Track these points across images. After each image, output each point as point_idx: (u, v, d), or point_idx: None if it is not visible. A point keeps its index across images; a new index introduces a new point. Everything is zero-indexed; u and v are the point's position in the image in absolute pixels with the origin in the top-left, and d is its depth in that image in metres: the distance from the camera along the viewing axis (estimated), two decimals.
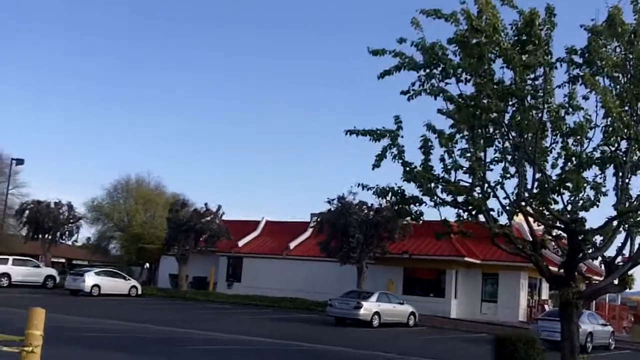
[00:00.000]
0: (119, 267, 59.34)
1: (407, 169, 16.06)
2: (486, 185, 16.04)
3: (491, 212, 16.02)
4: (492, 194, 16.04)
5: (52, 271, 47.71)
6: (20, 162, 56.20)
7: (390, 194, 16.73)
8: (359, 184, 17.20)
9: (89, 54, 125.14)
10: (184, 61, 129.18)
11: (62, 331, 19.84)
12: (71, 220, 53.17)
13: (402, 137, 16.38)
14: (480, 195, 15.84)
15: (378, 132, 16.16)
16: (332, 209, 39.44)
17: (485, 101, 15.53)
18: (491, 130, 16.16)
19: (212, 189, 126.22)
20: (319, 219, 40.90)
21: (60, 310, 28.35)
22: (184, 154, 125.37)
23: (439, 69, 15.66)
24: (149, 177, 68.47)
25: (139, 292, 44.25)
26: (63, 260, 77.80)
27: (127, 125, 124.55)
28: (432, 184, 16.12)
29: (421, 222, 17.85)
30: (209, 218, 46.49)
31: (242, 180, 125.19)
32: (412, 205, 16.79)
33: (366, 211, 39.00)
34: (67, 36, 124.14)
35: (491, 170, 16.21)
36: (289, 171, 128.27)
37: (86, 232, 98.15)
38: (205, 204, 47.64)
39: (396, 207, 17.39)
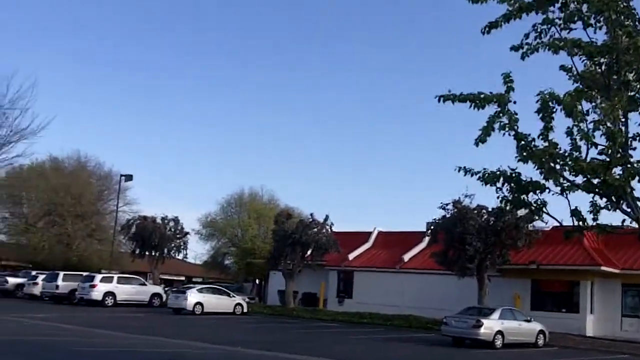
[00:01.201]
0: (234, 283, 57.65)
1: (522, 143, 12.08)
2: (631, 160, 11.70)
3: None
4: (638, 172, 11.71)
5: (158, 289, 46.21)
6: (129, 178, 55.53)
7: (501, 180, 12.73)
8: (459, 168, 13.29)
9: (188, 70, 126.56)
10: (291, 80, 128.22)
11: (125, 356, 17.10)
12: (178, 236, 51.70)
13: (514, 102, 12.38)
14: (623, 174, 11.60)
15: (482, 96, 12.29)
16: (447, 215, 35.50)
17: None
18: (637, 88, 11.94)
19: (324, 201, 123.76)
20: (432, 228, 36.95)
21: (154, 331, 26.23)
22: (296, 167, 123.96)
23: (558, 6, 11.68)
24: (262, 191, 67.06)
25: (245, 309, 41.75)
26: (183, 278, 77.59)
27: (241, 139, 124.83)
28: (557, 163, 12.02)
29: (545, 220, 13.62)
30: (315, 229, 43.46)
31: (352, 190, 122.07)
32: (531, 194, 12.68)
33: (486, 216, 34.79)
34: (171, 53, 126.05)
35: (634, 148, 11.98)
36: (403, 177, 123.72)
37: (200, 248, 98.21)
38: (311, 214, 44.74)
39: (510, 198, 13.21)
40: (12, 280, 49.43)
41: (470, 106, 12.31)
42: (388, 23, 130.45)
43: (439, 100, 12.53)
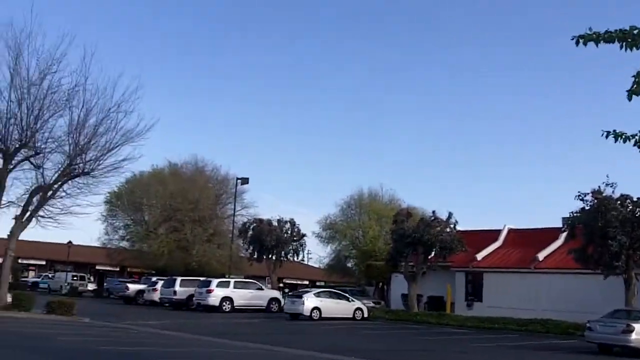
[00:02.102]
0: (356, 286, 55.45)
1: None
2: None
3: None
4: None
5: (276, 293, 44.62)
6: (245, 181, 54.49)
7: None
8: (607, 133, 10.10)
9: (300, 70, 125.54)
10: (407, 81, 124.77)
11: None
12: (295, 238, 50.00)
13: None
14: None
15: (635, 31, 9.17)
16: (586, 208, 31.62)
17: None
18: None
19: (447, 200, 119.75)
20: (569, 222, 33.10)
21: (261, 338, 24.44)
22: (418, 166, 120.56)
23: None
24: (382, 190, 64.39)
25: (365, 314, 39.24)
26: (307, 282, 76.30)
27: (359, 139, 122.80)
28: None
29: None
30: (438, 228, 40.35)
31: (478, 188, 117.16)
32: None
33: (630, 207, 30.69)
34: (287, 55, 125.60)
35: None
36: (535, 170, 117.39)
37: (322, 252, 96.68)
38: (433, 212, 41.69)
39: None
40: (132, 287, 49.45)
41: (621, 47, 9.22)
42: None
43: (577, 43, 9.49)
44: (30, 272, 73.33)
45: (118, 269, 73.89)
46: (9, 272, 31.76)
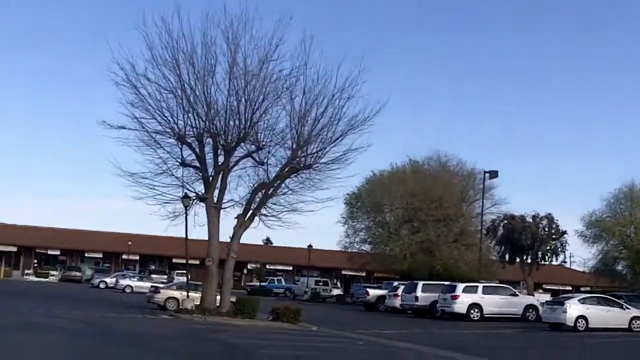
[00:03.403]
0: (635, 292, 47.61)
1: None
2: None
3: None
4: None
5: (532, 300, 39.06)
6: (494, 174, 48.81)
7: None
8: None
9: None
10: None
11: None
12: (553, 237, 43.49)
13: None
14: None
15: None
16: None
17: None
18: None
19: None
20: None
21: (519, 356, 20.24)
22: None
23: None
24: None
25: None
26: (569, 288, 69.02)
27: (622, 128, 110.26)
28: None
29: None
30: None
31: None
32: None
33: None
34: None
35: None
36: None
37: (586, 253, 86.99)
38: None
39: None
40: (373, 292, 46.67)
41: None
42: None
43: None
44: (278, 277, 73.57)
45: (364, 274, 71.81)
46: (231, 276, 29.65)
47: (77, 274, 70.88)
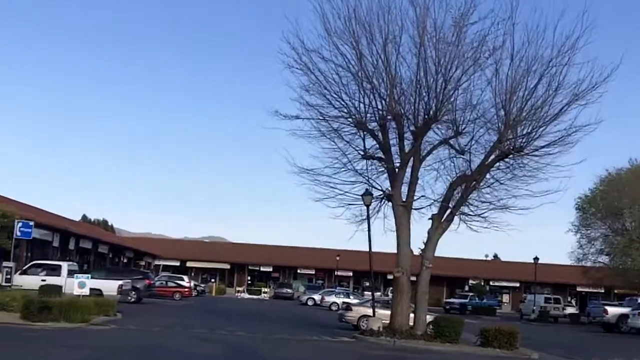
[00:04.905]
0: None
1: None
2: None
3: None
4: None
5: None
6: None
7: None
8: None
9: None
10: None
11: None
12: None
13: None
14: None
15: None
16: None
17: None
18: None
19: None
20: None
21: None
22: None
23: None
24: None
25: None
26: None
27: None
28: None
29: None
30: None
31: None
32: None
33: None
34: None
35: None
36: None
37: None
38: None
39: None
40: (612, 311, 38.54)
41: None
42: None
43: None
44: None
45: (602, 290, 62.41)
46: (427, 290, 23.86)
47: (288, 290, 68.95)
